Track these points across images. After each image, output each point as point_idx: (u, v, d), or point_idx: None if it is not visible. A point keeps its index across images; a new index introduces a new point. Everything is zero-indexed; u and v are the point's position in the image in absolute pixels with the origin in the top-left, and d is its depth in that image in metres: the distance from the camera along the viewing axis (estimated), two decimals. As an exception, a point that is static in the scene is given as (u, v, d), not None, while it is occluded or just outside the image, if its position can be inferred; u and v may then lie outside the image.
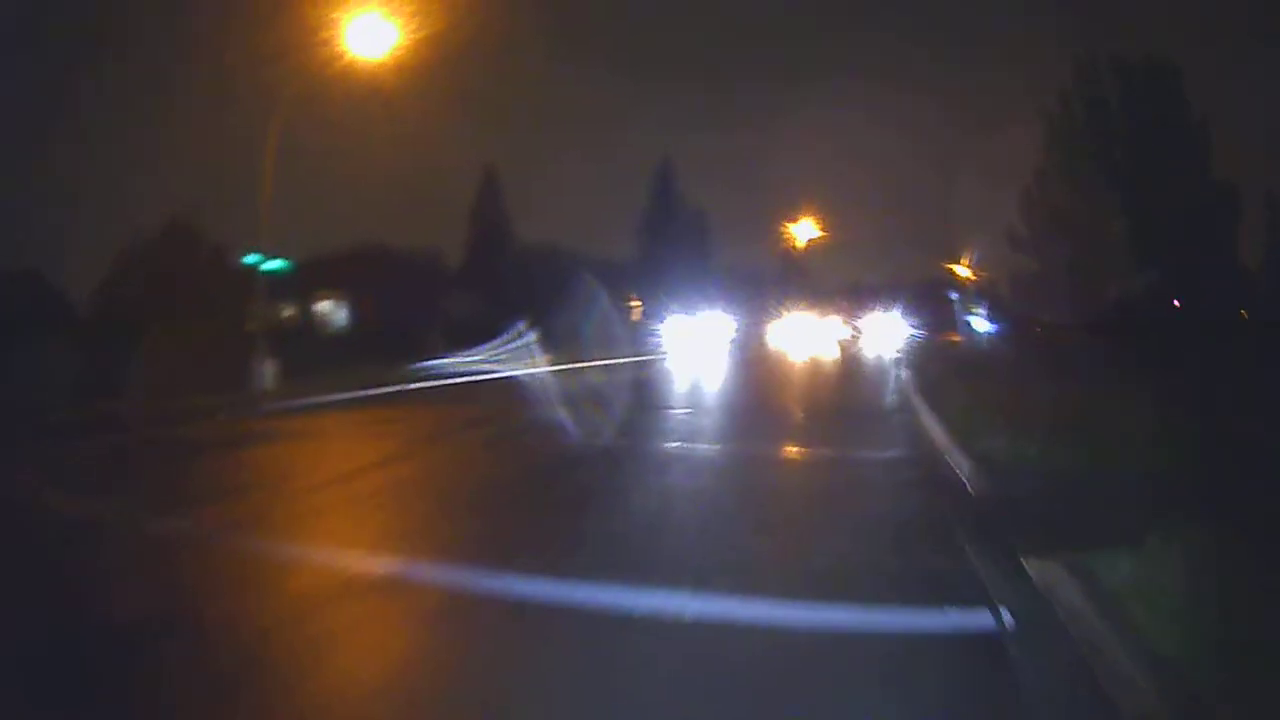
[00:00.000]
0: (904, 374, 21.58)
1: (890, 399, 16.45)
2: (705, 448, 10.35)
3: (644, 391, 17.98)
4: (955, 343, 40.39)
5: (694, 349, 32.84)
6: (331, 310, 45.13)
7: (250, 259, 20.49)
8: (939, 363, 24.05)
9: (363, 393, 18.23)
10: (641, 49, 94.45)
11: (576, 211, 74.00)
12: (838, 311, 51.65)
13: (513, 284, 41.03)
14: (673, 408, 15.37)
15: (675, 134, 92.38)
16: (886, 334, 48.17)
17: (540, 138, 77.98)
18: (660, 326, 35.77)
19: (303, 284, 43.50)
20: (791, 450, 10.63)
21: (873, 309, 54.09)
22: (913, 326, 50.90)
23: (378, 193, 60.76)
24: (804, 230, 44.83)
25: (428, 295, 41.64)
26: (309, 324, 43.03)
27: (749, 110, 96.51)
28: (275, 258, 20.48)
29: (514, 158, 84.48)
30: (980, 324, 40.40)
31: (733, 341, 35.34)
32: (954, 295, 42.86)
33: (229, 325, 21.86)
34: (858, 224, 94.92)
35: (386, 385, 19.57)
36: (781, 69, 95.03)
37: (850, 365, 27.96)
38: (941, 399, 13.08)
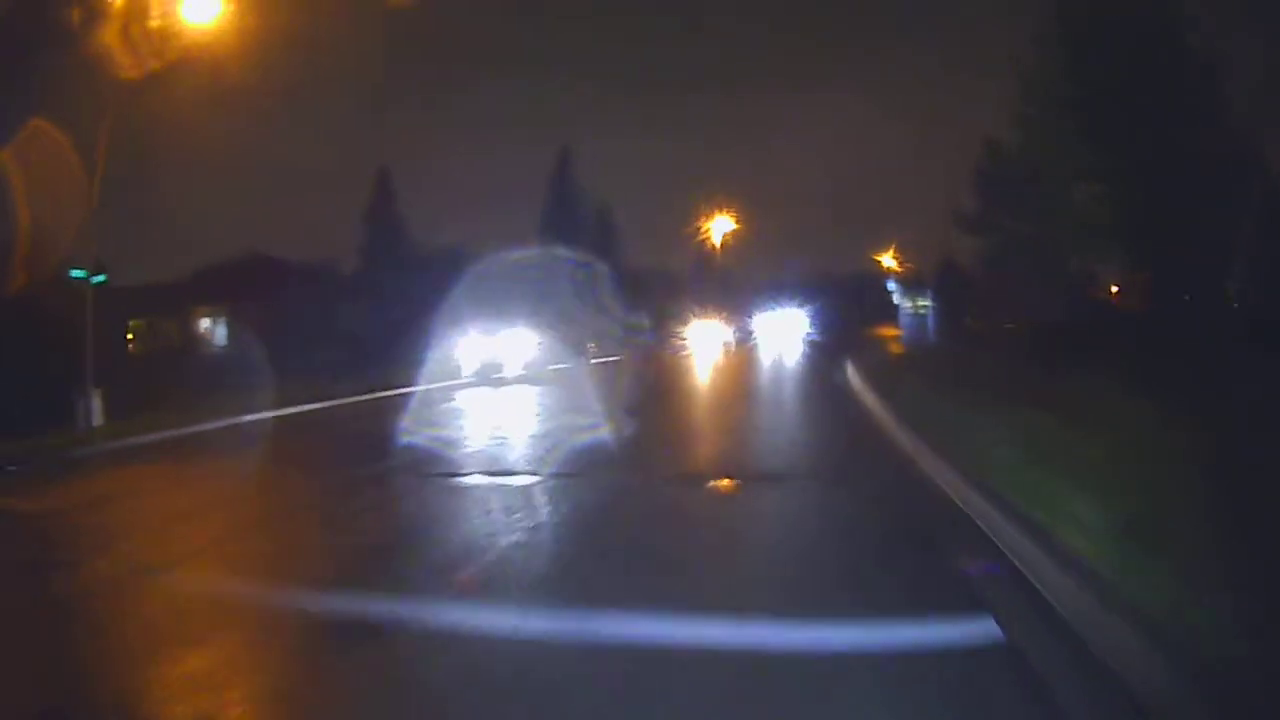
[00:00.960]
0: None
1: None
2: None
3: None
4: (888, 338, 39.06)
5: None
6: (211, 327, 41.87)
7: (77, 273, 17.75)
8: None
9: (210, 425, 15.83)
10: (548, 48, 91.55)
11: (487, 215, 71.22)
12: (733, 314, 48.39)
13: (410, 292, 38.55)
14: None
15: (591, 138, 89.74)
16: (786, 335, 46.96)
17: (449, 139, 74.60)
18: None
19: (180, 299, 40.38)
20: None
21: (774, 309, 52.22)
22: (814, 325, 49.64)
23: (267, 200, 57.00)
24: (720, 226, 43.16)
25: (317, 307, 38.68)
26: (187, 343, 39.72)
27: (671, 115, 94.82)
28: (101, 271, 17.78)
29: (420, 159, 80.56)
30: (920, 318, 38.03)
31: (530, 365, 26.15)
32: (892, 286, 41.63)
33: (59, 350, 18.93)
34: (786, 221, 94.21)
35: (243, 414, 17.18)
36: (705, 70, 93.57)
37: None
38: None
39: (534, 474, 9.20)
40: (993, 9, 55.82)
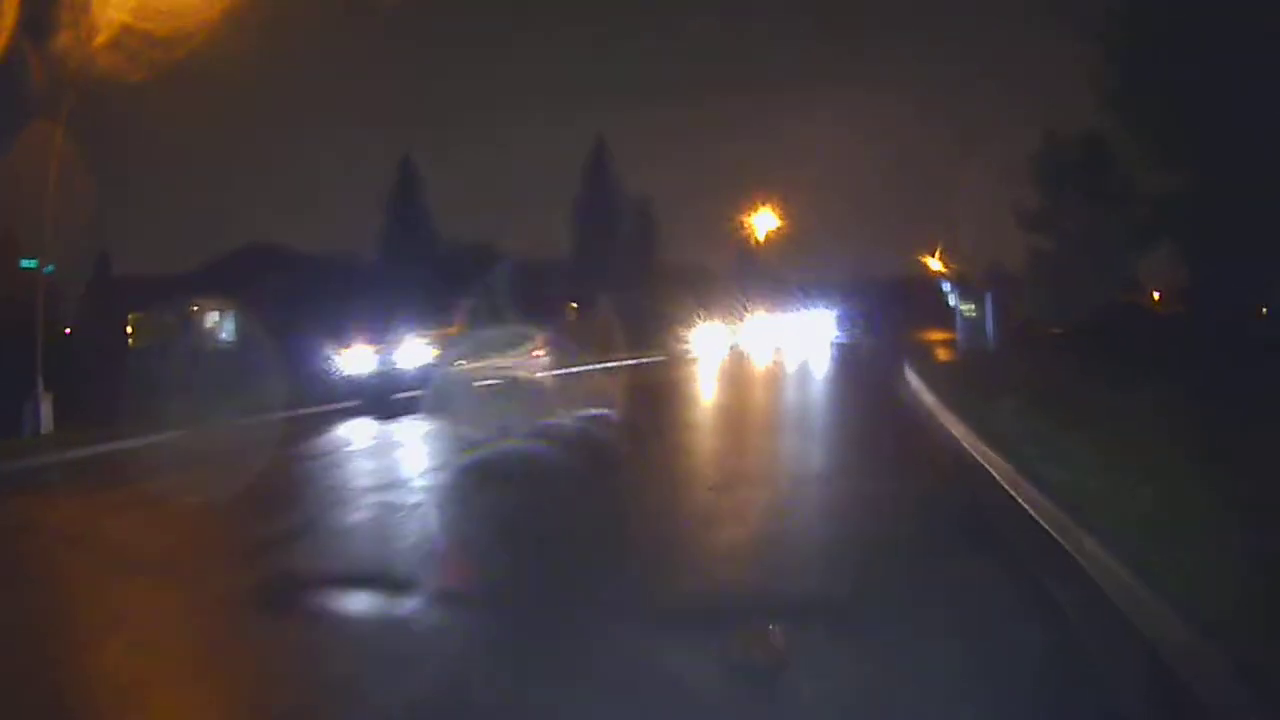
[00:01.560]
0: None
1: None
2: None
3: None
4: (941, 343, 35.32)
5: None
6: (217, 322, 39.06)
7: (27, 263, 14.80)
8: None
9: (161, 438, 12.73)
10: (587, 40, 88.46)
11: (518, 208, 68.18)
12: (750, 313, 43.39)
13: (433, 286, 35.55)
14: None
15: (628, 135, 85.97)
16: (802, 341, 40.96)
17: (478, 128, 71.70)
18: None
19: (184, 293, 37.63)
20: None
21: (801, 309, 46.58)
22: (847, 328, 45.13)
23: (282, 191, 54.32)
24: (762, 222, 39.64)
25: (332, 301, 35.67)
26: (189, 339, 36.85)
27: (721, 116, 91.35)
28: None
29: (449, 150, 77.04)
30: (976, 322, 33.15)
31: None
32: (948, 287, 37.31)
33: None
34: (825, 221, 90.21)
35: (225, 421, 14.18)
36: (750, 74, 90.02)
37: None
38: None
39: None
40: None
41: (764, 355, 33.17)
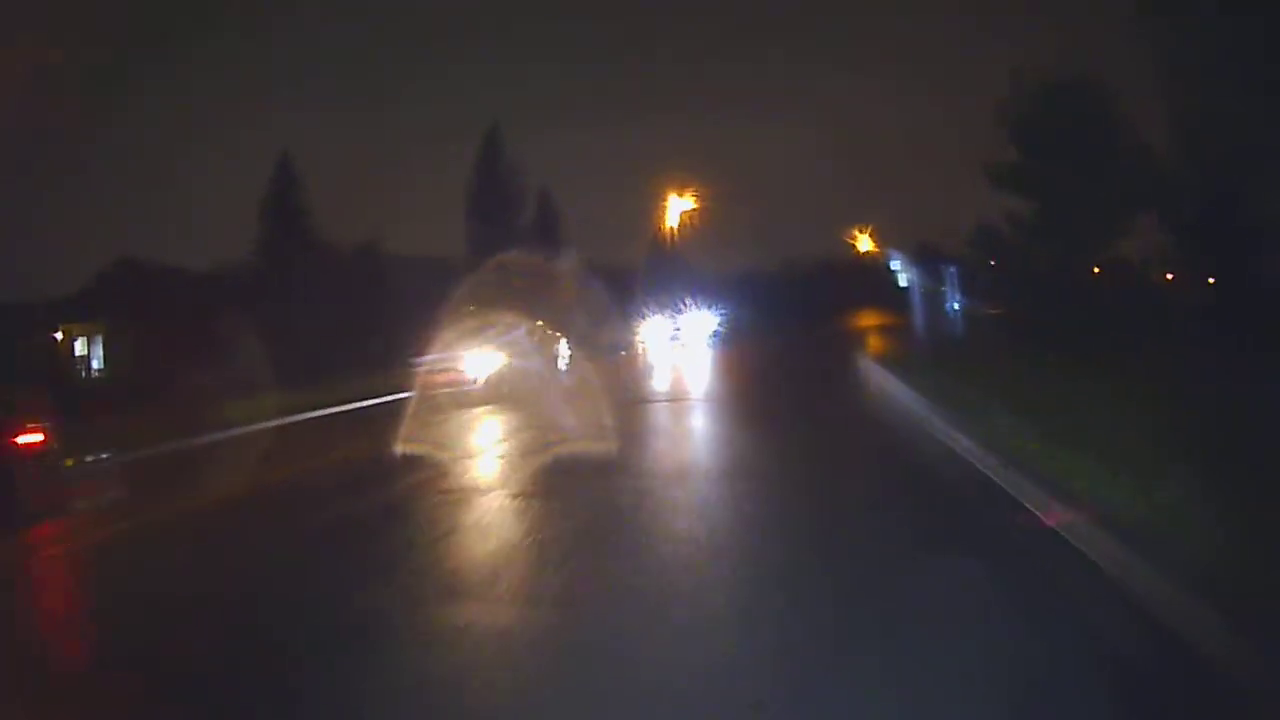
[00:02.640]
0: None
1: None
2: None
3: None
4: (887, 329, 31.95)
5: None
6: (87, 346, 36.13)
7: None
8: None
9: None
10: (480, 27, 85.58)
11: (415, 205, 64.75)
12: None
13: (316, 295, 33.10)
14: None
15: (534, 127, 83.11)
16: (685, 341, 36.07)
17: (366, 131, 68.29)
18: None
19: (48, 319, 34.66)
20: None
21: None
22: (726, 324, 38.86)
23: (153, 203, 50.80)
24: (676, 207, 37.45)
25: (204, 319, 33.04)
26: (50, 367, 33.70)
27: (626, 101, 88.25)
28: None
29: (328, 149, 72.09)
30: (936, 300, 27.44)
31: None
32: (896, 264, 32.66)
33: None
34: (761, 211, 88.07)
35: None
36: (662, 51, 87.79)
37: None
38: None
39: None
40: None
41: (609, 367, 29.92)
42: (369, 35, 74.53)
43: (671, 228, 37.82)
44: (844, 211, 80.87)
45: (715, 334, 37.50)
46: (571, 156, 79.82)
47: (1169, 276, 26.44)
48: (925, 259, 30.16)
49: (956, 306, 24.95)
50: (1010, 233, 23.14)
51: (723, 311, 38.96)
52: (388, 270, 35.42)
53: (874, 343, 23.68)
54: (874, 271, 56.28)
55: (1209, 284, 20.12)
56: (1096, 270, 25.99)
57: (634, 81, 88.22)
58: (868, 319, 39.76)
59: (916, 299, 25.20)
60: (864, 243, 51.46)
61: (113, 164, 48.86)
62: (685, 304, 38.17)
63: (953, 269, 25.77)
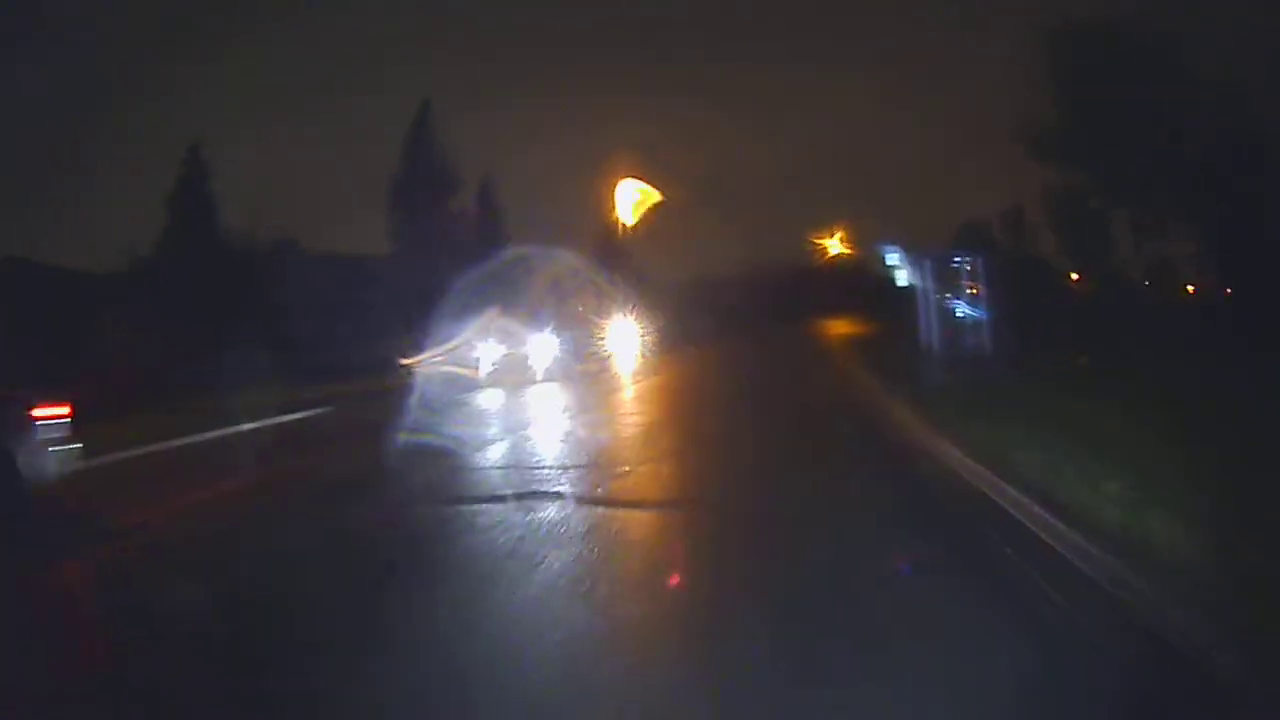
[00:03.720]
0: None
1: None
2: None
3: None
4: (872, 342, 26.14)
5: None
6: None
7: None
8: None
9: None
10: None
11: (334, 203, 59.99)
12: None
13: (219, 292, 29.44)
14: None
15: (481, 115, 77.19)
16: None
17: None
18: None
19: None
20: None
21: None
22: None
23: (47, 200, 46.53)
24: (628, 194, 33.40)
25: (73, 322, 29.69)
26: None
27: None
28: None
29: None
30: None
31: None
32: (893, 258, 24.00)
33: None
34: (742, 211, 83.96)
35: None
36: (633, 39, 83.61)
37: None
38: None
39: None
40: None
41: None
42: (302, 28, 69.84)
43: (621, 220, 34.00)
44: (815, 214, 75.92)
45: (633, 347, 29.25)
46: (531, 157, 74.70)
47: (1190, 289, 23.06)
48: (935, 253, 21.20)
49: (963, 312, 19.04)
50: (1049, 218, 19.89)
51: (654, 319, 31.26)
52: (303, 269, 31.67)
53: (876, 361, 18.31)
54: (864, 272, 51.99)
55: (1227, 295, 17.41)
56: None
57: (592, 73, 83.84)
58: (858, 327, 35.64)
59: (927, 302, 18.55)
60: (834, 245, 48.33)
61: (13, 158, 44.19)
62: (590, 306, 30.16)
63: (977, 260, 19.27)
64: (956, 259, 19.70)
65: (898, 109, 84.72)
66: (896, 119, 79.72)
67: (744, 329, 37.20)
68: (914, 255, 22.89)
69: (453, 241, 31.61)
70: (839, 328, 38.88)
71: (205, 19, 64.78)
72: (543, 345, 22.28)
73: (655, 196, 34.95)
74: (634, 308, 30.70)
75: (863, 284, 51.54)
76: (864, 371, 17.32)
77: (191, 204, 32.58)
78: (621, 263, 34.92)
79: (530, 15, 79.99)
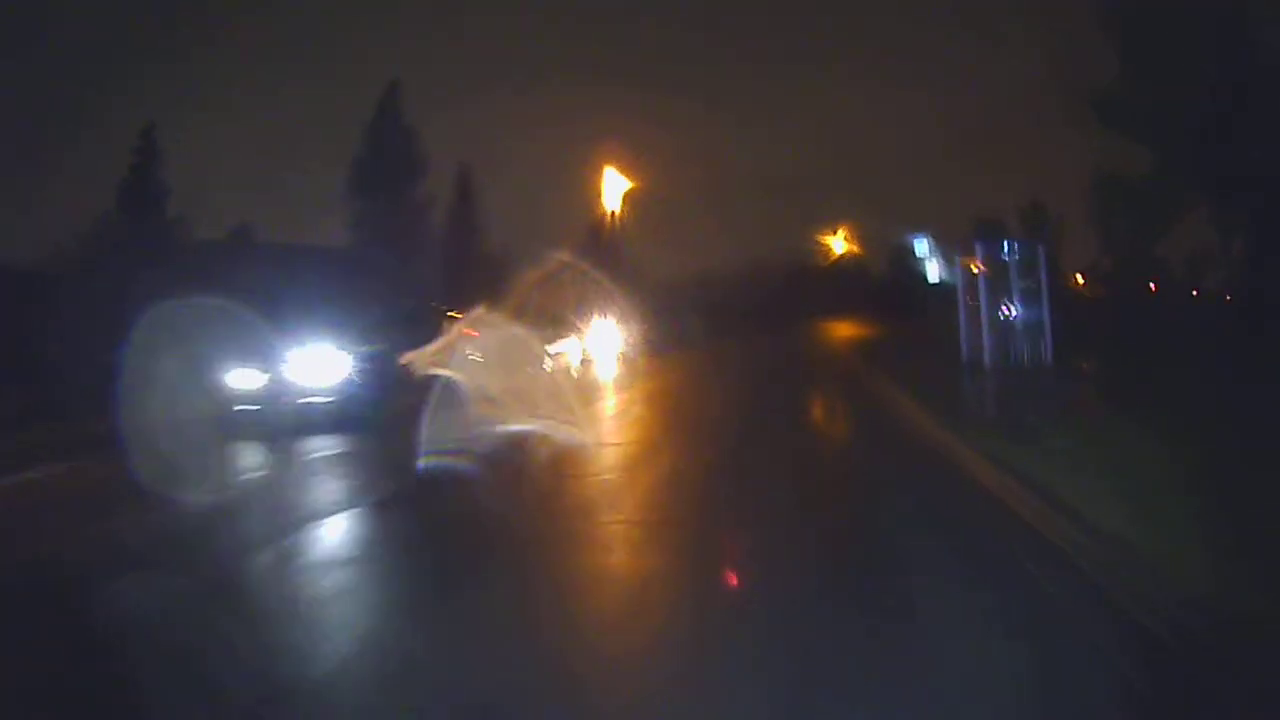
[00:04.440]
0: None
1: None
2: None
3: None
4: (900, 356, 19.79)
5: None
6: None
7: None
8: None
9: None
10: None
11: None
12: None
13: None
14: None
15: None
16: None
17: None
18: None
19: None
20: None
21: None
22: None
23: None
24: (614, 184, 30.54)
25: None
26: None
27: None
28: None
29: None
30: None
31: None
32: (925, 248, 19.19)
33: None
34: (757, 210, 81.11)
35: None
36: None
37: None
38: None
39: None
40: None
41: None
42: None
43: (612, 211, 31.13)
44: (815, 213, 71.71)
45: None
46: (518, 151, 71.28)
47: (1194, 292, 19.55)
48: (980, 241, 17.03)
49: (1013, 313, 15.31)
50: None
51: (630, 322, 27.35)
52: (260, 259, 29.03)
53: (912, 378, 14.13)
54: (874, 270, 48.92)
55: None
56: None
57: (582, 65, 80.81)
58: (873, 330, 31.98)
59: (965, 309, 14.69)
60: (838, 243, 45.68)
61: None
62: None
63: (1036, 249, 15.60)
64: (1006, 249, 15.91)
65: (898, 108, 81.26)
66: (903, 115, 76.33)
67: (747, 332, 34.14)
68: (949, 246, 19.32)
69: (419, 231, 29.03)
70: (852, 331, 35.74)
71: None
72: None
73: (644, 184, 31.88)
74: (617, 309, 27.72)
75: (871, 283, 49.14)
76: (900, 392, 13.23)
77: (144, 188, 30.13)
78: (612, 258, 32.10)
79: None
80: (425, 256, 29.35)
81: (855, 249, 50.02)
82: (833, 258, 47.36)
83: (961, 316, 16.01)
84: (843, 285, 48.21)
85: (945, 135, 75.03)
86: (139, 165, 30.48)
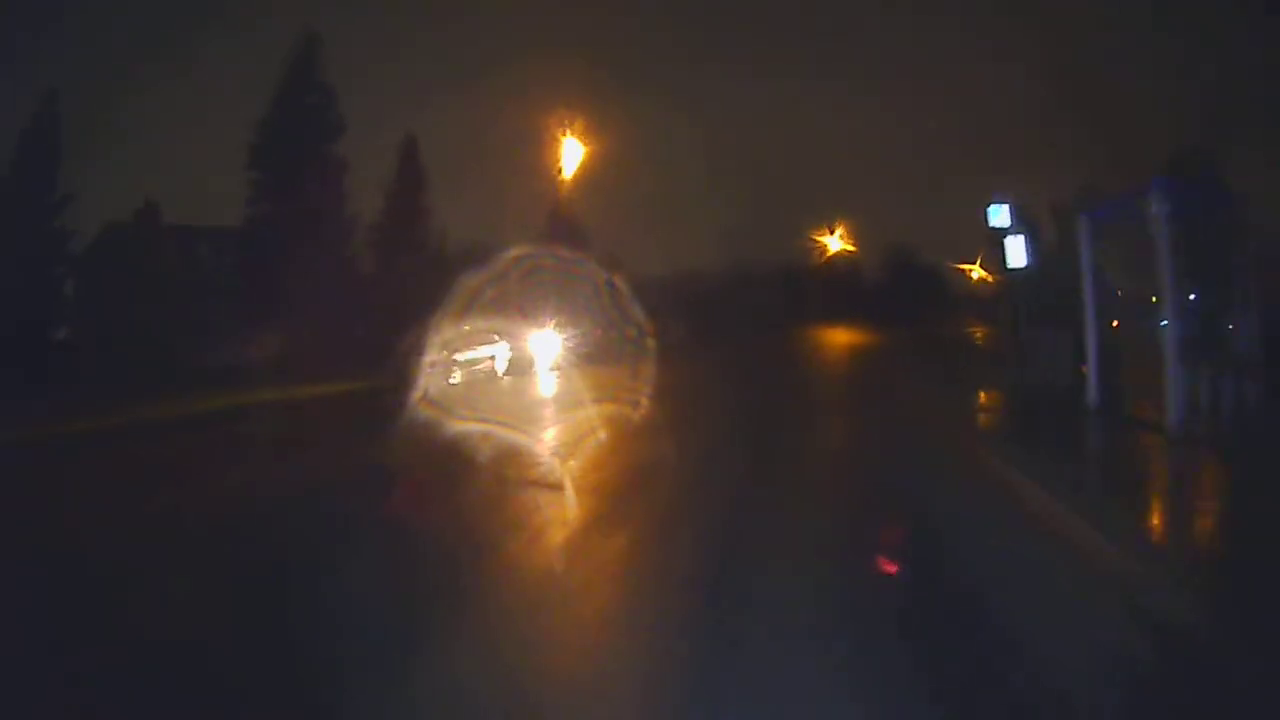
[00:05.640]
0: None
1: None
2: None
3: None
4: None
5: None
6: None
7: None
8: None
9: None
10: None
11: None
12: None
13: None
14: None
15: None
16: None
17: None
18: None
19: None
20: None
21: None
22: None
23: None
24: (571, 154, 25.04)
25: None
26: None
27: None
28: None
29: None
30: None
31: None
32: (1006, 215, 12.92)
33: None
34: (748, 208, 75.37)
35: None
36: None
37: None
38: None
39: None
40: None
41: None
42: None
43: (564, 177, 25.67)
44: (817, 211, 64.34)
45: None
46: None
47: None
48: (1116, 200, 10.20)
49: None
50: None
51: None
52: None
53: (1031, 456, 7.92)
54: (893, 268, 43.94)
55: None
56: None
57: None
58: (907, 344, 26.32)
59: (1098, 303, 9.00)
60: (834, 242, 40.00)
61: None
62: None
63: (1215, 209, 8.98)
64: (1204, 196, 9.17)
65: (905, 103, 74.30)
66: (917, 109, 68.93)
67: (744, 341, 28.86)
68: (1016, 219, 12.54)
69: (331, 209, 24.27)
70: (873, 342, 29.76)
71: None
72: None
73: (586, 149, 26.17)
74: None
75: (876, 284, 44.39)
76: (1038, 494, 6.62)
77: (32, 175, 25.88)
78: (578, 244, 27.08)
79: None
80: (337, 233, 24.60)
81: (851, 248, 44.12)
82: (834, 256, 42.05)
83: (1091, 330, 9.54)
84: (845, 285, 43.52)
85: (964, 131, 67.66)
86: (27, 149, 26.32)
